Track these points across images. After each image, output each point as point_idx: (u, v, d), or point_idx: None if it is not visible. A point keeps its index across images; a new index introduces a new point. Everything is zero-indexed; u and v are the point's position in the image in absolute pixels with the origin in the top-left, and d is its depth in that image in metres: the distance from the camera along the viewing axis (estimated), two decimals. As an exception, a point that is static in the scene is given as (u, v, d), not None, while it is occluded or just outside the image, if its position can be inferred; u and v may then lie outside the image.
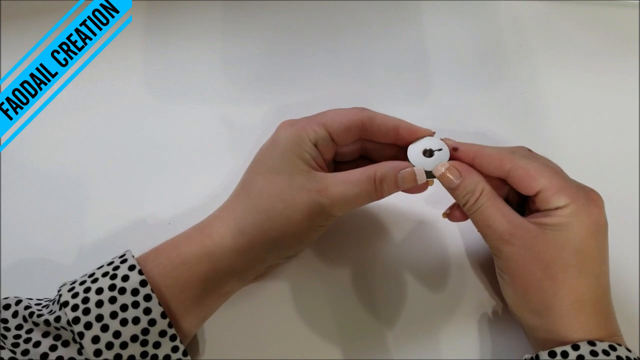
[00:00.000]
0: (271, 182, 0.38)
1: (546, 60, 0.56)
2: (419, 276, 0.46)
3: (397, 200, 0.49)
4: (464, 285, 0.46)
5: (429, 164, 0.39)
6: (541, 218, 0.38)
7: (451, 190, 0.40)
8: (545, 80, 0.55)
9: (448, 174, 0.39)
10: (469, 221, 0.48)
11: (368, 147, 0.42)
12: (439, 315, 0.45)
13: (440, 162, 0.39)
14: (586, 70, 0.56)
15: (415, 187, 0.40)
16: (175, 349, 0.35)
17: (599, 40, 0.57)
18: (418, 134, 0.40)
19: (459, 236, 0.48)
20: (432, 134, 0.40)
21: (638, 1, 0.58)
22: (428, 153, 0.40)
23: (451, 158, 0.40)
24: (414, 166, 0.39)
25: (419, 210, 0.49)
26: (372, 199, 0.39)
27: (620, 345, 0.36)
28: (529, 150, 0.41)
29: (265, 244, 0.38)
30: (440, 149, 0.40)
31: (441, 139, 0.41)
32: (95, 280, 0.35)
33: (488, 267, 0.47)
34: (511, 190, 0.42)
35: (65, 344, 0.34)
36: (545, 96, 0.55)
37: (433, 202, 0.49)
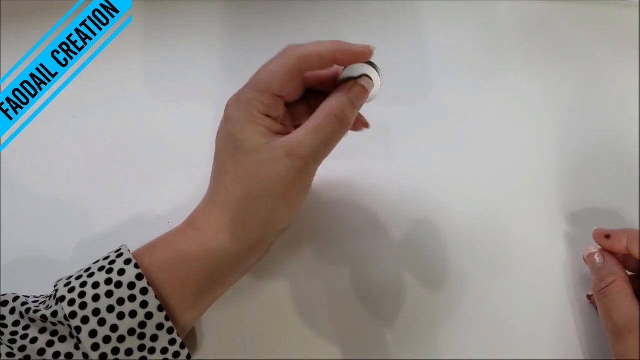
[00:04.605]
0: (241, 167, 0.37)
1: (546, 60, 0.56)
2: (418, 276, 0.46)
3: (396, 200, 0.49)
4: (464, 285, 0.46)
5: None
6: None
7: (592, 271, 0.43)
8: (545, 79, 0.55)
9: (595, 257, 0.43)
10: (466, 221, 0.48)
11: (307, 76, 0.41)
12: (438, 315, 0.45)
13: (371, 87, 0.39)
14: (586, 69, 0.56)
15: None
16: (172, 342, 0.35)
17: (599, 40, 0.57)
18: (356, 54, 0.38)
19: (459, 236, 0.48)
20: (370, 51, 0.38)
21: (638, 1, 0.58)
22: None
23: (604, 245, 0.43)
24: (356, 79, 0.38)
25: (419, 209, 0.49)
26: (341, 134, 0.38)
27: None
28: None
29: (260, 226, 0.37)
30: (369, 77, 0.39)
31: (596, 234, 0.43)
32: (91, 275, 0.35)
33: (487, 266, 0.46)
34: None
35: (62, 339, 0.34)
36: (545, 96, 0.55)
37: (432, 201, 0.49)
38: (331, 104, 0.37)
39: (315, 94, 0.41)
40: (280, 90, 0.37)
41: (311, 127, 0.37)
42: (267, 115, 0.38)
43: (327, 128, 0.37)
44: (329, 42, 0.37)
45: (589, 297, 0.45)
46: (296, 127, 0.41)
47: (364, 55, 0.38)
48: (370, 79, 0.39)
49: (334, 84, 0.40)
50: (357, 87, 0.38)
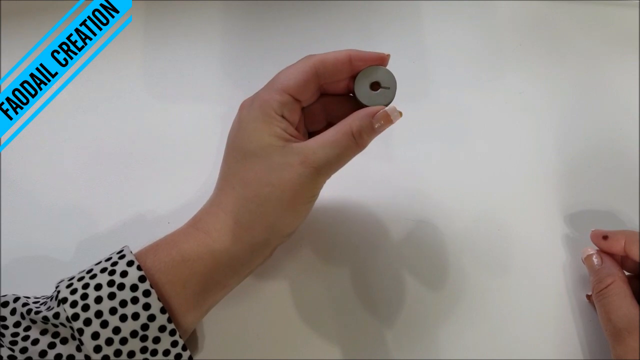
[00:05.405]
0: (252, 169, 0.37)
1: (545, 60, 0.56)
2: (418, 276, 0.46)
3: (397, 200, 0.49)
4: (464, 285, 0.46)
5: (376, 98, 0.39)
6: None
7: (591, 272, 0.43)
8: (544, 79, 0.55)
9: (593, 258, 0.42)
10: (466, 221, 0.48)
11: (322, 84, 0.41)
12: (438, 315, 0.45)
13: (387, 99, 0.39)
14: (585, 70, 0.56)
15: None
16: (174, 344, 0.35)
17: (598, 40, 0.57)
18: (371, 60, 0.39)
19: (459, 236, 0.48)
20: (385, 57, 0.39)
21: (638, 1, 0.58)
22: (376, 86, 0.39)
23: (601, 247, 0.43)
24: (384, 107, 0.38)
25: (419, 210, 0.49)
26: (355, 153, 0.38)
27: None
28: None
29: (265, 230, 0.37)
30: (388, 87, 0.39)
31: (594, 235, 0.43)
32: (93, 277, 0.35)
33: (487, 266, 0.46)
34: None
35: (64, 341, 0.34)
36: (545, 96, 0.55)
37: (432, 201, 0.49)
38: (352, 123, 0.37)
39: (331, 98, 0.41)
40: (296, 90, 0.38)
41: (327, 140, 0.37)
42: (282, 116, 0.38)
43: (343, 145, 0.37)
44: (344, 49, 0.39)
45: (589, 297, 0.45)
46: (311, 133, 0.42)
47: (380, 62, 0.39)
48: (388, 87, 0.39)
49: (349, 90, 0.40)
50: (383, 115, 0.38)
